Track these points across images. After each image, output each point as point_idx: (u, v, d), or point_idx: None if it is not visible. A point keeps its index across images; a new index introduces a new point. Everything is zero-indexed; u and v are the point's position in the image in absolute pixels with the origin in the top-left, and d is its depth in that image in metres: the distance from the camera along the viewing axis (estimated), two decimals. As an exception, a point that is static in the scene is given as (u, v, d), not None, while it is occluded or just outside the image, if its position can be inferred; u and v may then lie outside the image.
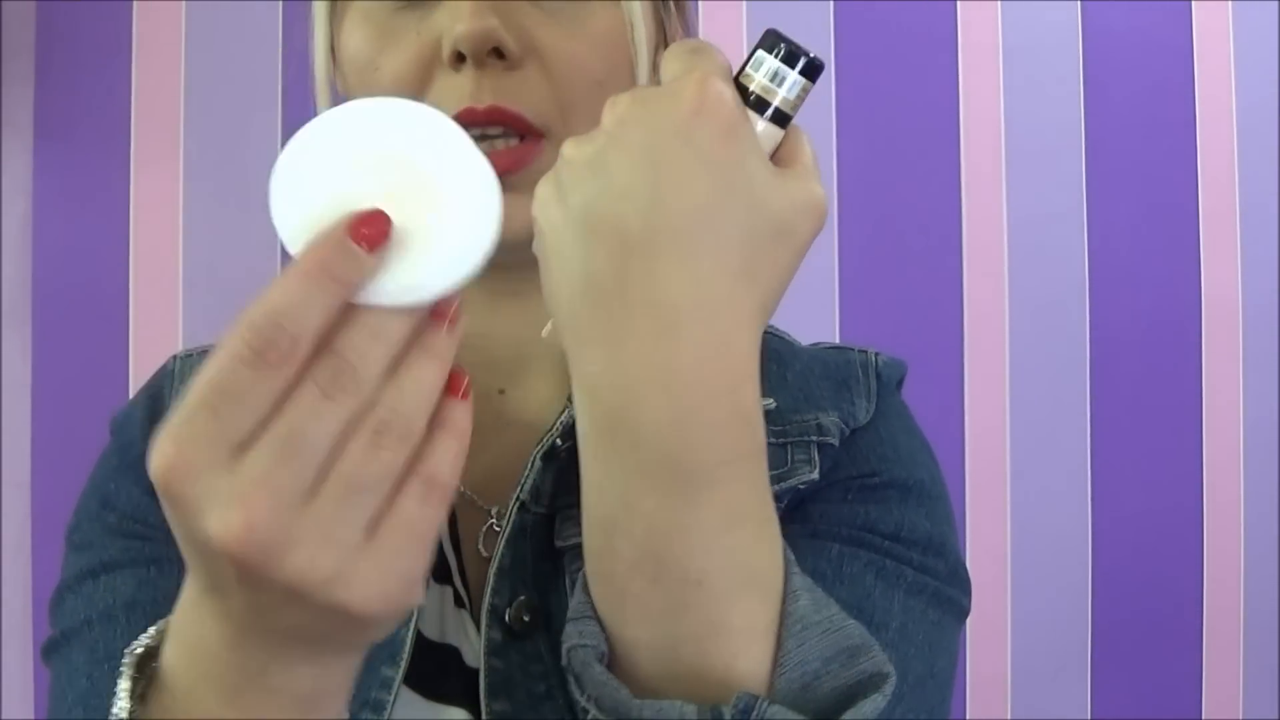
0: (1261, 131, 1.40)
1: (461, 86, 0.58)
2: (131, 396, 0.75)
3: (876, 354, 0.71)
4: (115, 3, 1.23)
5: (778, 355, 0.69)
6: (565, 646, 0.48)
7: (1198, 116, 1.40)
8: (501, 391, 0.68)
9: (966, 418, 1.33)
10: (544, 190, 0.47)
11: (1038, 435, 1.35)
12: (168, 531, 0.57)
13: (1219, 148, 1.40)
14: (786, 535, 0.56)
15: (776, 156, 0.47)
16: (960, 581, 0.64)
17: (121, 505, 0.67)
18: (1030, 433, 1.35)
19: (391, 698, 0.57)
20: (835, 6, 1.32)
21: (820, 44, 1.32)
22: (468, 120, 0.57)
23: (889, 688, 0.46)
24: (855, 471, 0.63)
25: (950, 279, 1.34)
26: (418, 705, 0.59)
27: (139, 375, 1.22)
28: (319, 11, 0.64)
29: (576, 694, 0.47)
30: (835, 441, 0.64)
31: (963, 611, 0.64)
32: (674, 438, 0.45)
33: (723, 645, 0.45)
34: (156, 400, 0.72)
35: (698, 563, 0.45)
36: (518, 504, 0.61)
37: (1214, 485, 1.39)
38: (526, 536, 0.61)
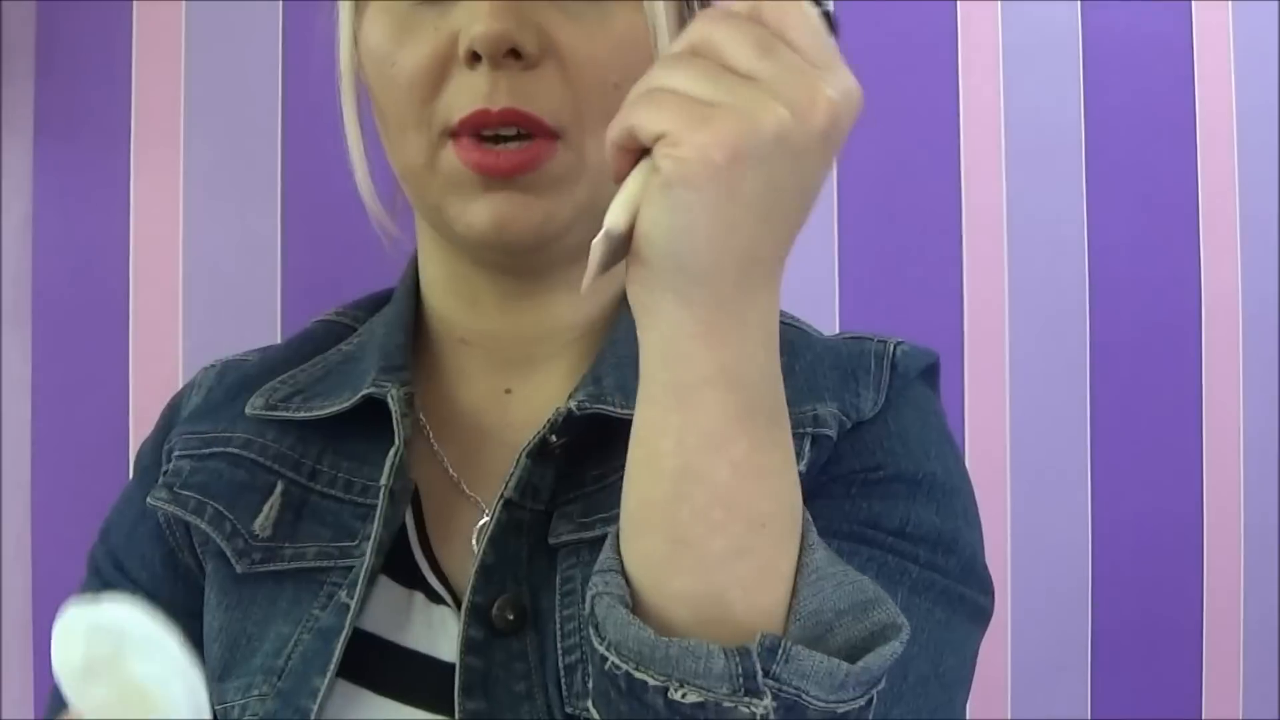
0: (1261, 131, 1.40)
1: (477, 86, 0.58)
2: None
3: (898, 343, 0.69)
4: (115, 3, 1.23)
5: (791, 346, 0.67)
6: (590, 594, 0.48)
7: (1198, 116, 1.39)
8: (508, 391, 0.68)
9: (966, 418, 1.33)
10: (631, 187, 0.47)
11: (1038, 435, 1.35)
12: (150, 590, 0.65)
13: (1219, 148, 1.40)
14: None
15: None
16: (975, 580, 0.63)
17: (112, 538, 0.70)
18: (1030, 433, 1.35)
19: (316, 705, 0.58)
20: (835, 6, 1.32)
21: (820, 44, 1.31)
22: (481, 122, 0.58)
23: (904, 636, 0.47)
24: (859, 465, 0.62)
25: (950, 279, 1.34)
26: (389, 708, 0.60)
27: (139, 375, 1.22)
28: (344, 4, 0.64)
29: (596, 643, 0.47)
30: (832, 433, 0.62)
31: (978, 609, 0.63)
32: (774, 385, 0.48)
33: (769, 592, 0.46)
34: (174, 412, 0.74)
35: (767, 505, 0.47)
36: (502, 502, 0.61)
37: (1214, 485, 1.39)
38: (523, 533, 0.61)
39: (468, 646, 0.58)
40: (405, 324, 0.69)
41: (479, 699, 0.58)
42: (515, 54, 0.57)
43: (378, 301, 0.74)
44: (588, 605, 0.48)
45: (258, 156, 1.24)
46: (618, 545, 0.49)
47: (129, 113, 1.23)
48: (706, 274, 0.44)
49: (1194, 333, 1.39)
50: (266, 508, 0.64)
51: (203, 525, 0.64)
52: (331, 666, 0.59)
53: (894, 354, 0.68)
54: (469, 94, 0.58)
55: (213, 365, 0.75)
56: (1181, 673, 1.37)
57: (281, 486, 0.65)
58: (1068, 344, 1.37)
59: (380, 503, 0.62)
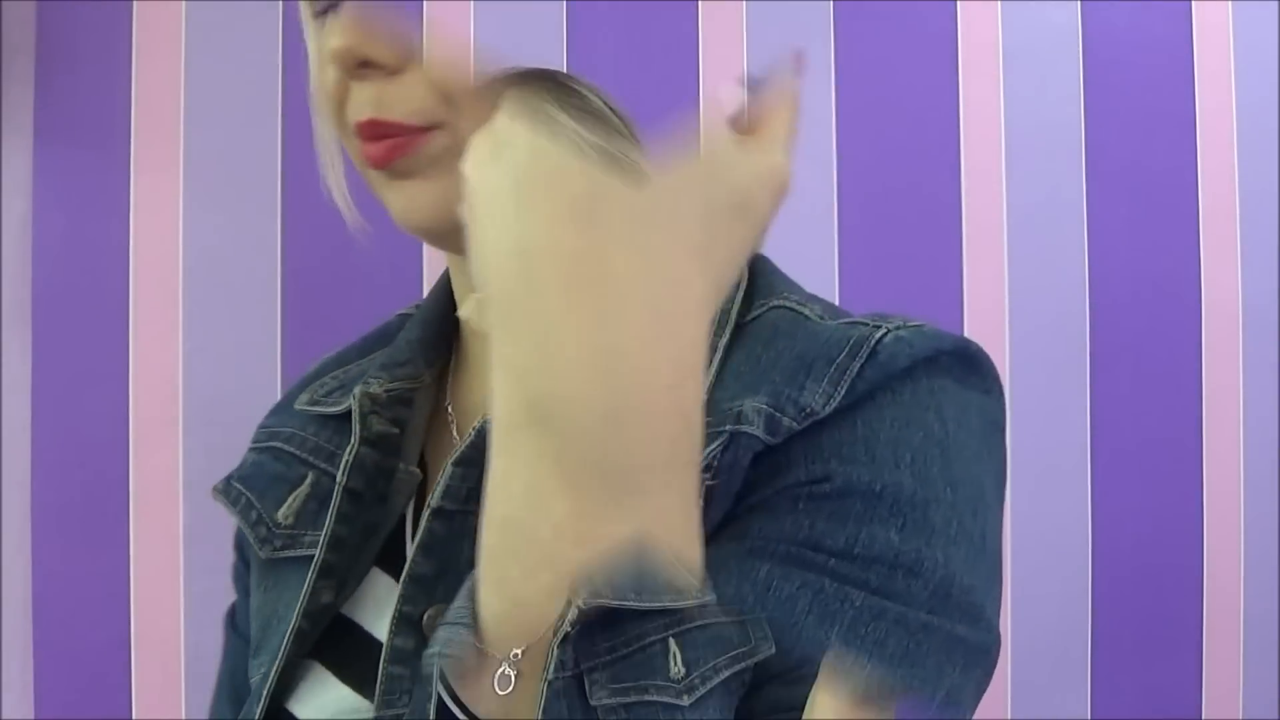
0: (1261, 131, 1.40)
1: (364, 95, 0.59)
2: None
3: (894, 329, 0.58)
4: (115, 2, 1.23)
5: (773, 332, 0.61)
6: (427, 653, 0.44)
7: (1198, 116, 1.40)
8: None
9: (966, 418, 1.33)
10: (479, 146, 0.43)
11: (1038, 435, 1.35)
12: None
13: (1219, 148, 1.40)
14: (719, 553, 0.50)
15: (741, 123, 0.43)
16: (951, 606, 0.54)
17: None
18: (1030, 433, 1.35)
19: (267, 685, 0.61)
20: (835, 6, 1.32)
21: (820, 44, 1.31)
22: (370, 133, 0.58)
23: None
24: (806, 476, 0.53)
25: (950, 278, 1.34)
26: (345, 695, 0.61)
27: (139, 375, 1.22)
28: (305, 22, 0.65)
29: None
30: (756, 431, 0.53)
31: (953, 641, 0.55)
32: (602, 434, 0.39)
33: None
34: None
35: None
36: (429, 511, 0.59)
37: (1214, 485, 1.39)
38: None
39: (392, 656, 0.58)
40: (425, 317, 0.70)
41: (401, 707, 0.57)
42: (368, 64, 0.58)
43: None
44: (424, 663, 0.44)
45: (258, 156, 1.24)
46: (474, 594, 0.43)
47: (129, 113, 1.23)
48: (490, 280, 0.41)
49: (1194, 333, 1.39)
50: (291, 498, 0.66)
51: (235, 514, 0.68)
52: (282, 650, 0.61)
53: (877, 341, 0.57)
54: (357, 103, 0.59)
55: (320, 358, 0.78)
56: (1181, 673, 1.37)
57: (313, 477, 0.67)
58: (1068, 344, 1.37)
59: (335, 500, 0.63)
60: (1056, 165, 1.37)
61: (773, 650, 0.56)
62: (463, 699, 0.68)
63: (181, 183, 1.23)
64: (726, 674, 0.57)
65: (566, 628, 0.63)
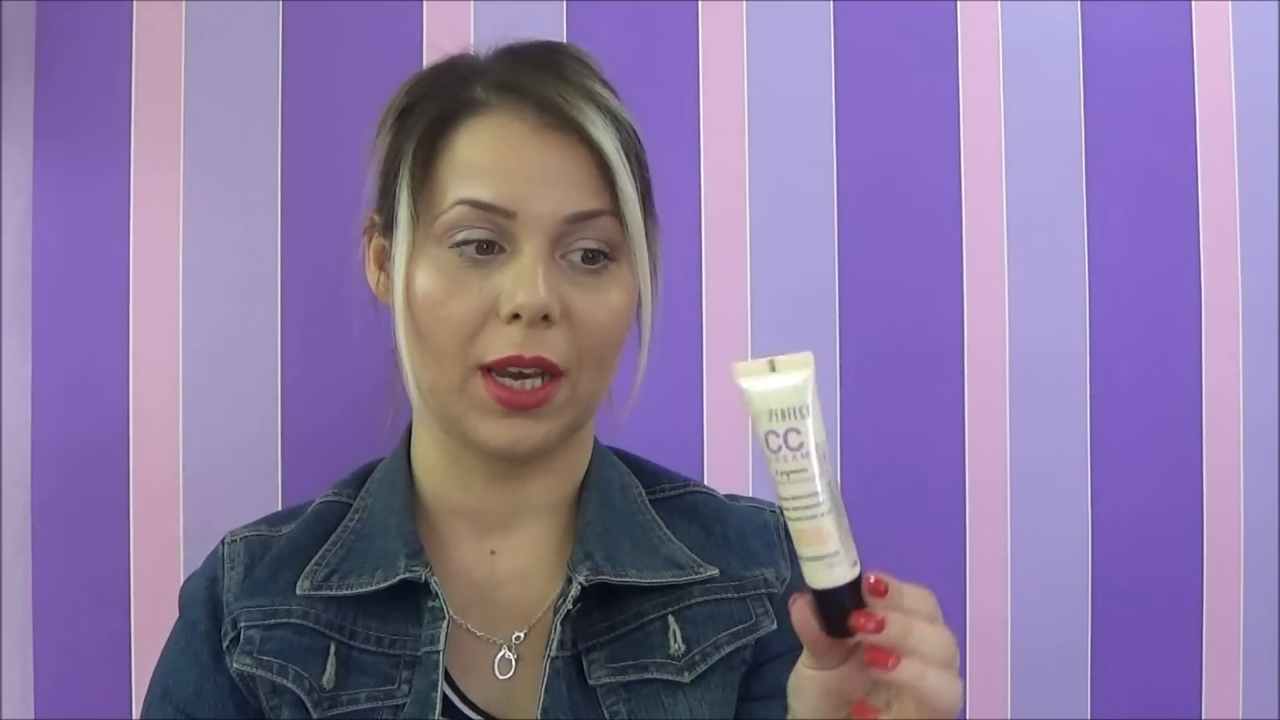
0: (1261, 131, 1.40)
1: (511, 336, 0.75)
2: (198, 570, 0.90)
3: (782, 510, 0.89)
4: (115, 2, 1.23)
5: (717, 514, 0.88)
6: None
7: (1198, 116, 1.40)
8: (493, 552, 0.85)
9: (966, 418, 1.33)
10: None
11: (1038, 436, 1.35)
12: None
13: (1219, 148, 1.40)
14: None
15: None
16: None
17: (177, 698, 0.82)
18: (1030, 433, 1.35)
19: None
20: (835, 6, 1.32)
21: (820, 44, 1.31)
22: (515, 364, 0.75)
23: None
24: (796, 642, 0.77)
25: (950, 278, 1.34)
26: None
27: (139, 375, 1.22)
28: (401, 246, 0.78)
29: None
30: (780, 592, 0.82)
31: None
32: None
33: None
34: (214, 584, 0.87)
35: None
36: (549, 661, 0.77)
37: (1214, 485, 1.39)
38: (561, 676, 0.78)
39: None
40: (411, 509, 0.85)
41: None
42: (545, 317, 0.75)
43: (360, 478, 0.91)
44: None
45: (258, 156, 1.24)
46: None
47: (129, 113, 1.23)
48: None
49: (1194, 333, 1.39)
50: (328, 665, 0.80)
51: (288, 684, 0.79)
52: None
53: (785, 523, 0.84)
54: (504, 341, 0.75)
55: (233, 540, 0.89)
56: (1181, 673, 1.37)
57: (334, 647, 0.80)
58: (1067, 344, 1.37)
59: (439, 662, 0.77)
60: (1056, 165, 1.37)
61: (774, 626, 0.82)
62: (462, 688, 0.79)
63: (182, 183, 1.23)
64: (728, 650, 0.83)
65: (568, 605, 0.80)
